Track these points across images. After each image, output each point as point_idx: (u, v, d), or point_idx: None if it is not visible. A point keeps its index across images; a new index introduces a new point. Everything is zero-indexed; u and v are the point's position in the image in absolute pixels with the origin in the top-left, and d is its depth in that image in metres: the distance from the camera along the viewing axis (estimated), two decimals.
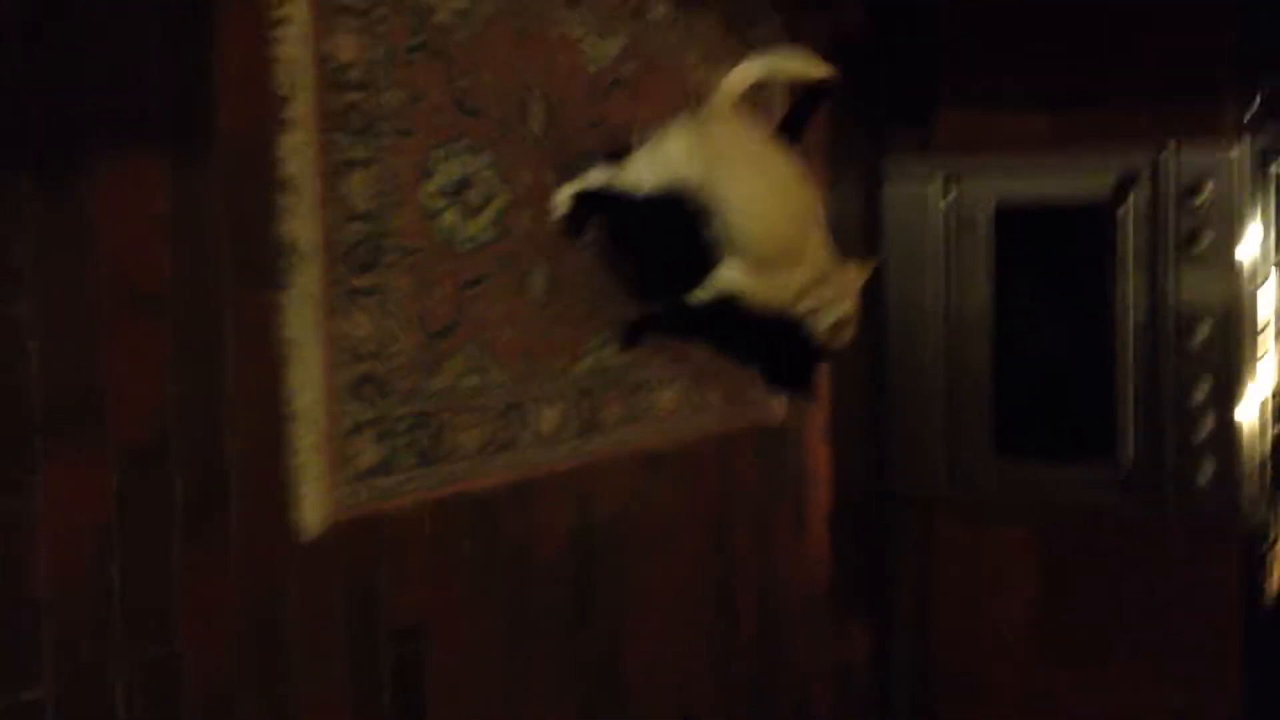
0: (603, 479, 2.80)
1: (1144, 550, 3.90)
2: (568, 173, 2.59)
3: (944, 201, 4.02)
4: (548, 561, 2.64)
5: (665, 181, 2.46)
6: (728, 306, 2.59)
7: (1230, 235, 3.65)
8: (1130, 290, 3.79)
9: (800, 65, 2.50)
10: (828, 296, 2.60)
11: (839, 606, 4.00)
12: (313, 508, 2.05)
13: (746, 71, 2.45)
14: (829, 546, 3.92)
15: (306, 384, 2.04)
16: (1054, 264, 4.00)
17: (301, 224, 2.01)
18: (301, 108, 2.01)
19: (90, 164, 1.73)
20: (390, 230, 2.19)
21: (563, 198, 2.55)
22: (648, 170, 2.47)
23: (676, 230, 2.56)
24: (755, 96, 2.54)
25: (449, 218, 2.33)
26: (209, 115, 1.89)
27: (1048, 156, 3.91)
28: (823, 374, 3.03)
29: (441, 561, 2.34)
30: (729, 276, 2.56)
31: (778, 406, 3.52)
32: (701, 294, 2.60)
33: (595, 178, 2.53)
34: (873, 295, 4.06)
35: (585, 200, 2.55)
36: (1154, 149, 3.74)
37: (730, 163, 2.44)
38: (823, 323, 2.65)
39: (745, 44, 3.26)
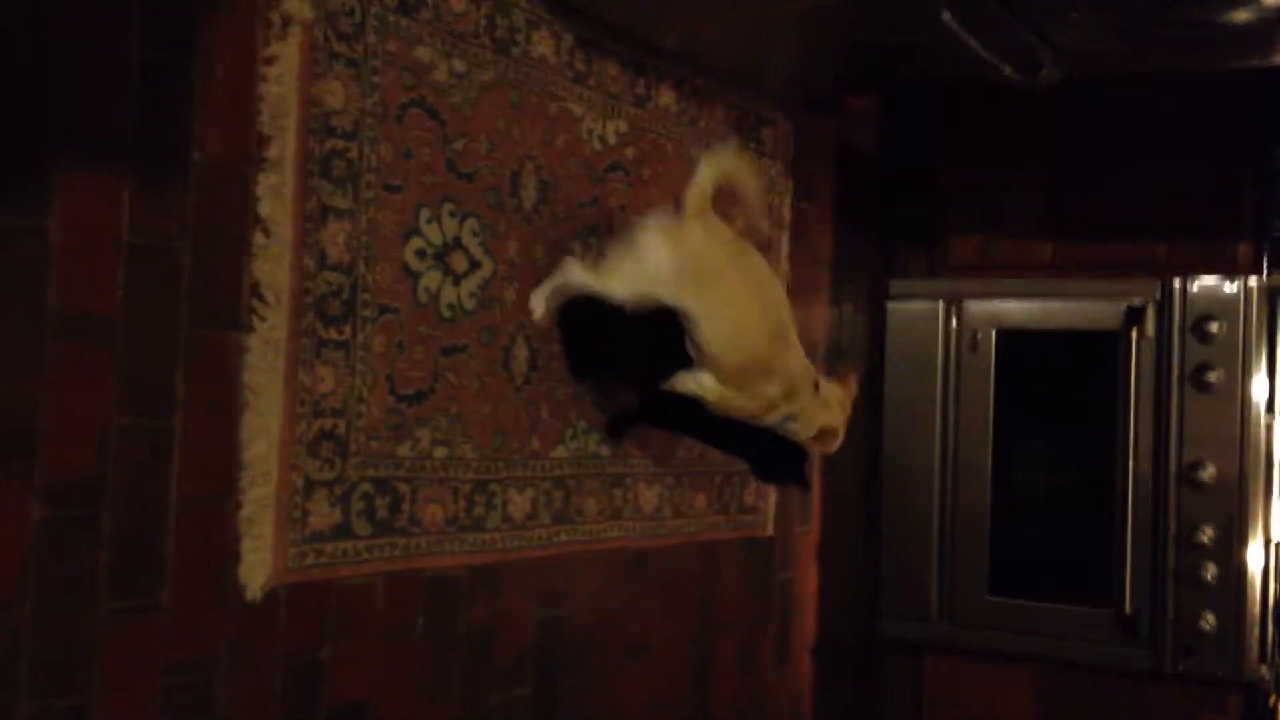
0: (576, 574, 2.67)
1: (1143, 700, 3.72)
2: (551, 258, 2.52)
3: (947, 324, 3.94)
4: (511, 656, 2.49)
5: (641, 294, 2.39)
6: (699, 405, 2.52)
7: (1240, 372, 3.55)
8: (1134, 424, 3.68)
9: (754, 198, 2.45)
10: (803, 407, 2.54)
11: None
12: (256, 567, 1.94)
13: (711, 173, 2.36)
14: (812, 682, 3.75)
15: (261, 434, 1.93)
16: (1057, 394, 3.90)
17: (272, 267, 1.94)
18: (283, 149, 1.95)
19: (52, 179, 1.66)
20: (367, 285, 2.11)
21: (538, 302, 2.48)
22: (623, 281, 2.39)
23: (658, 322, 2.48)
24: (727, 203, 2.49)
25: (431, 280, 2.25)
26: (184, 145, 1.83)
27: (1054, 283, 3.84)
28: (812, 465, 2.91)
29: (393, 640, 2.21)
30: (696, 383, 2.49)
31: (767, 519, 3.39)
32: (671, 386, 2.51)
33: (571, 275, 2.46)
34: (870, 415, 3.96)
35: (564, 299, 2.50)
36: (1163, 280, 3.66)
37: (702, 277, 2.36)
38: (803, 432, 2.58)
39: (754, 144, 3.23)
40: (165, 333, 1.80)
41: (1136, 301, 3.72)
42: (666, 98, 2.88)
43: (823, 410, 2.57)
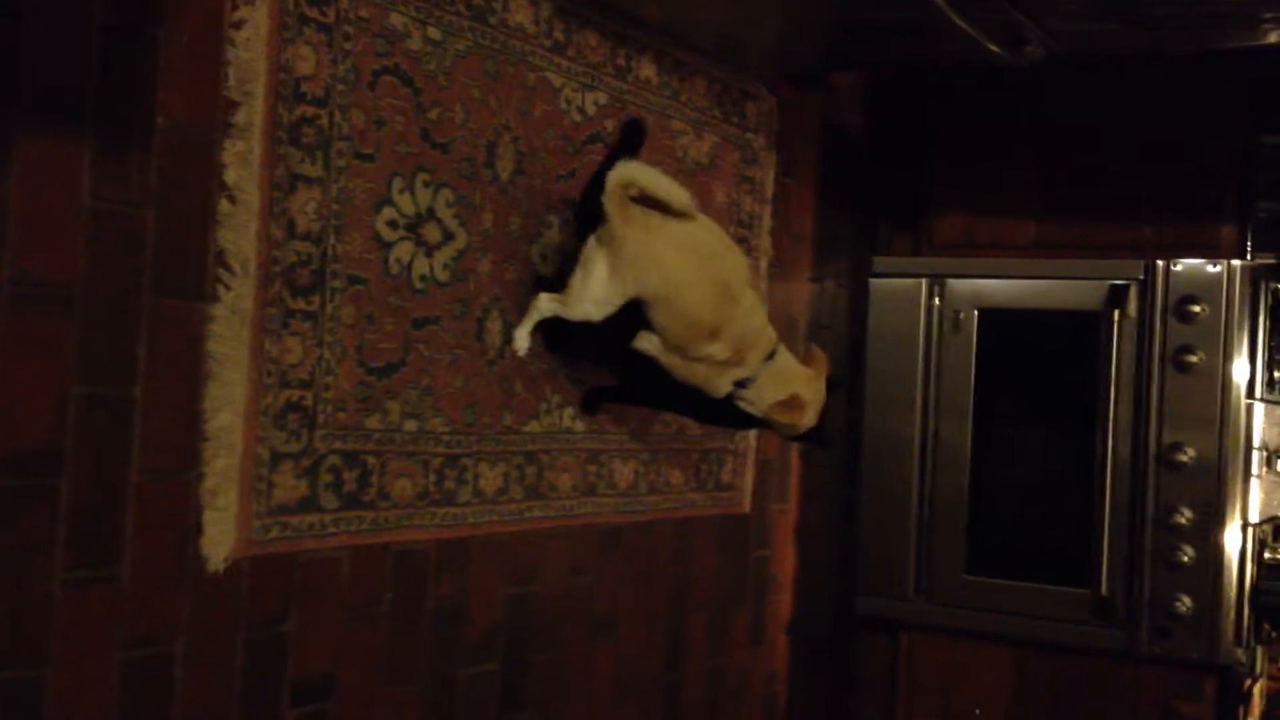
0: (548, 550, 2.65)
1: (1118, 682, 3.72)
2: (526, 230, 2.49)
3: (929, 302, 3.92)
4: (479, 632, 2.47)
5: (610, 309, 2.43)
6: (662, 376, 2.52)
7: (1221, 354, 3.53)
8: (1114, 405, 3.66)
9: (667, 189, 2.42)
10: (754, 374, 2.53)
11: None
12: (219, 538, 1.91)
13: (612, 183, 2.35)
14: (787, 660, 3.74)
15: (226, 404, 1.90)
16: (1038, 374, 3.88)
17: (238, 236, 1.90)
18: (251, 115, 1.91)
19: (9, 141, 1.62)
20: (337, 255, 2.08)
21: (521, 339, 2.48)
22: (589, 305, 2.41)
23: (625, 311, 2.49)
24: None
25: (403, 251, 2.21)
26: (148, 109, 1.79)
27: (1037, 263, 3.82)
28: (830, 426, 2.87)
29: (359, 615, 2.18)
30: (649, 341, 2.50)
31: (744, 496, 3.37)
32: (635, 344, 2.52)
33: (545, 308, 2.45)
34: (851, 393, 3.94)
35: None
36: (1146, 261, 3.64)
37: (641, 264, 2.38)
38: (758, 401, 2.57)
39: (737, 117, 3.19)
40: (126, 301, 1.76)
41: (1119, 282, 3.70)
42: (647, 70, 2.85)
43: (776, 380, 2.56)
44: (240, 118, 1.89)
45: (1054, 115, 3.85)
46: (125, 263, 1.76)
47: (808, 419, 2.61)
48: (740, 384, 2.53)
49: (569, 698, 2.72)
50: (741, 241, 3.23)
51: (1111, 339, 3.68)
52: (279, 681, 2.04)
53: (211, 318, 1.87)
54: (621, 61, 2.76)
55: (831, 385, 2.72)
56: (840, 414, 3.90)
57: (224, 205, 1.88)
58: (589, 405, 2.71)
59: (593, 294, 2.38)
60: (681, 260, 2.40)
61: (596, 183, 2.39)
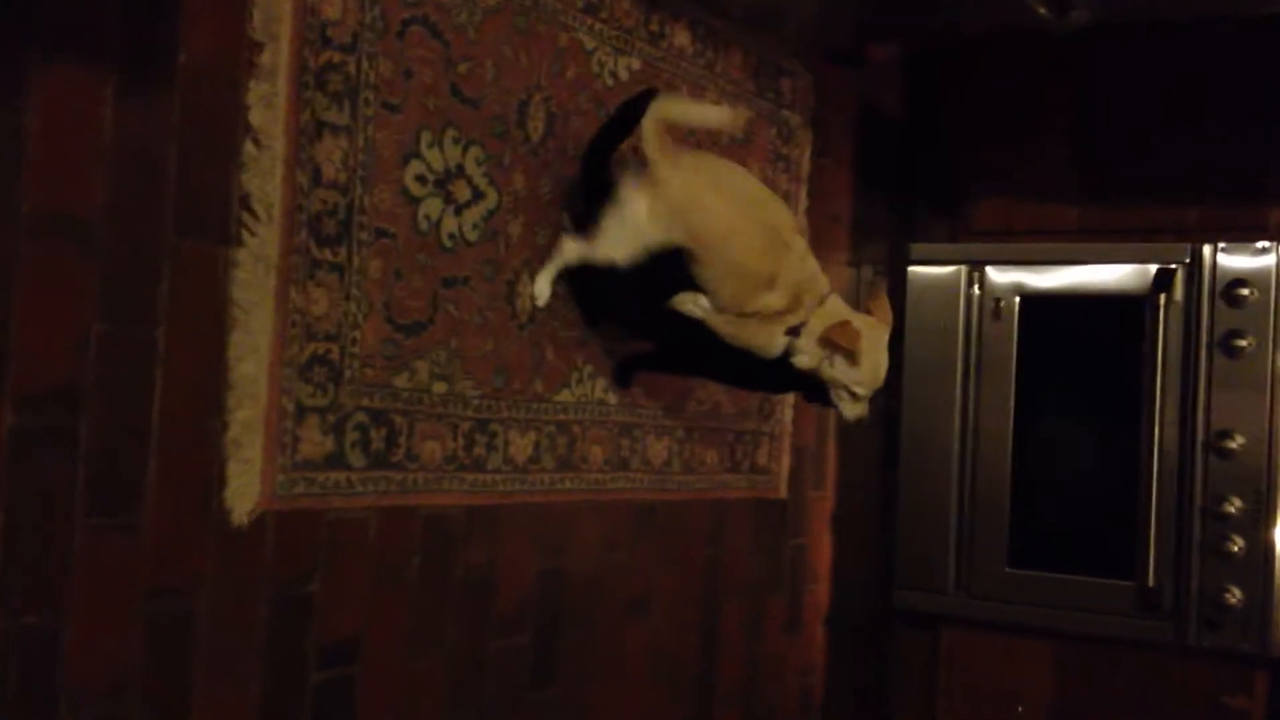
0: (580, 523, 2.59)
1: (1165, 676, 3.62)
2: (557, 194, 2.44)
3: (969, 290, 3.84)
4: (510, 603, 2.41)
5: (638, 251, 2.34)
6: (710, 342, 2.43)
7: (1271, 339, 3.44)
8: (1161, 392, 3.57)
9: (703, 114, 2.35)
10: (810, 318, 2.40)
11: None
12: (243, 491, 1.86)
13: (651, 122, 2.29)
14: (824, 652, 3.66)
15: (250, 353, 1.86)
16: (1081, 361, 3.80)
17: (263, 180, 1.86)
18: (276, 57, 1.87)
19: (30, 73, 1.59)
20: (364, 207, 2.03)
21: (542, 286, 2.41)
22: (618, 245, 2.33)
23: (663, 264, 2.39)
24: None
25: (432, 208, 2.17)
26: (171, 46, 1.75)
27: (1079, 247, 3.74)
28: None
29: (386, 577, 2.13)
30: (695, 303, 2.42)
31: (780, 481, 3.30)
32: (674, 305, 2.44)
33: (570, 254, 2.38)
34: (889, 382, 3.87)
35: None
36: (1193, 244, 3.55)
37: (685, 209, 2.31)
38: (813, 337, 2.41)
39: (773, 93, 3.14)
40: (148, 240, 1.72)
41: (1165, 266, 3.61)
42: (681, 38, 2.80)
43: (830, 317, 2.41)
44: (265, 59, 1.85)
45: (1095, 94, 3.78)
46: (147, 200, 1.72)
47: (867, 355, 2.40)
48: (793, 332, 2.40)
49: (600, 676, 2.66)
50: None
51: (1158, 325, 3.59)
52: (304, 643, 1.99)
53: (235, 262, 1.83)
54: (655, 28, 2.71)
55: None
56: (878, 400, 3.83)
57: (248, 148, 1.84)
58: (622, 377, 2.65)
59: (627, 234, 2.29)
60: (728, 206, 2.33)
61: (599, 144, 2.33)
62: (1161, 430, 3.56)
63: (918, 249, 3.93)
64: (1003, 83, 3.89)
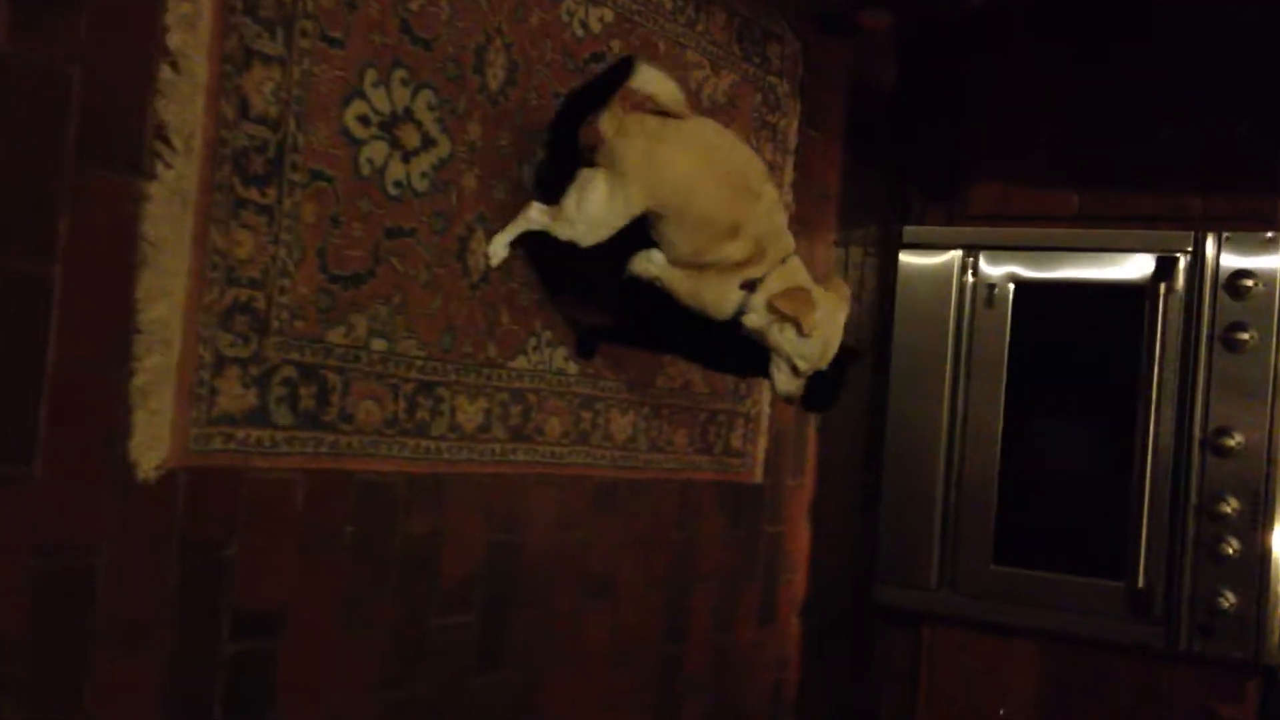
0: (534, 498, 2.45)
1: (1154, 681, 3.47)
2: (518, 146, 2.30)
3: (963, 275, 3.69)
4: (455, 578, 2.27)
5: (608, 232, 2.23)
6: (661, 305, 2.29)
7: (1275, 333, 3.29)
8: (1158, 385, 3.42)
9: (668, 92, 2.21)
10: (770, 273, 2.26)
11: (806, 718, 3.57)
12: (150, 443, 1.72)
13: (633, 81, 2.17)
14: (799, 645, 3.51)
15: (161, 296, 1.72)
16: (1076, 352, 3.65)
17: (182, 108, 1.72)
18: None
19: None
20: (298, 145, 1.89)
21: (498, 247, 2.27)
22: (581, 227, 2.21)
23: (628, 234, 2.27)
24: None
25: (375, 151, 2.03)
26: None
27: (1078, 233, 3.59)
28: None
29: (315, 545, 1.99)
30: (648, 260, 2.29)
31: (755, 465, 3.16)
32: (629, 271, 2.31)
33: (534, 221, 2.25)
34: (876, 368, 3.73)
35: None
36: (1196, 233, 3.41)
37: (643, 174, 2.18)
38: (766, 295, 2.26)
39: (759, 58, 2.99)
40: (46, 168, 1.58)
41: (1166, 254, 3.46)
42: None
43: (784, 279, 2.27)
44: None
45: (1097, 73, 3.63)
46: (46, 124, 1.57)
47: (819, 329, 2.26)
48: (748, 286, 2.26)
49: (554, 660, 2.51)
50: None
51: (1157, 315, 3.45)
52: (218, 609, 1.85)
53: (148, 197, 1.69)
54: None
55: (850, 356, 2.42)
56: (864, 388, 3.69)
57: (165, 72, 1.70)
58: (584, 348, 2.51)
59: (587, 215, 2.18)
60: (691, 160, 2.20)
61: (568, 113, 2.20)
62: (1157, 425, 3.42)
63: (910, 232, 3.79)
64: (1001, 59, 3.74)
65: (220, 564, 1.84)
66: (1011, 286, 3.67)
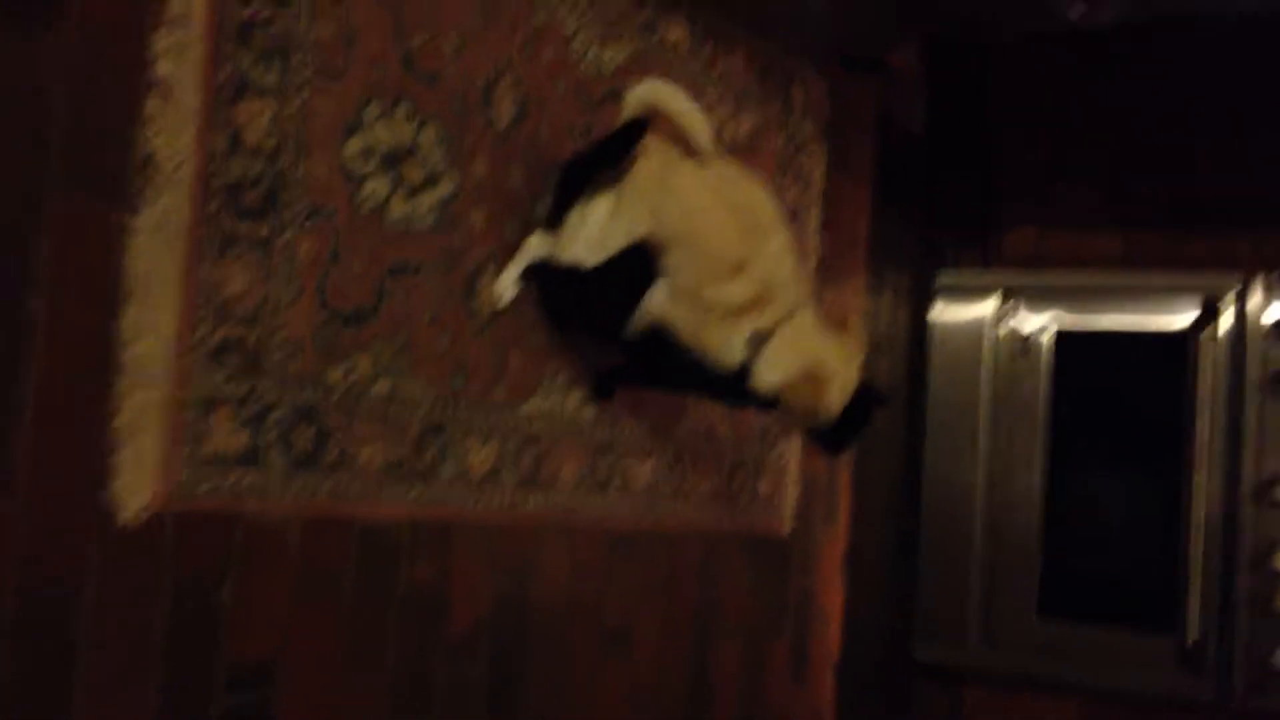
0: (548, 547, 2.36)
1: None
2: (529, 185, 2.24)
3: (999, 321, 3.59)
4: (464, 626, 2.19)
5: (606, 255, 2.15)
6: (666, 347, 2.20)
7: None
8: (1206, 435, 3.30)
9: (691, 118, 2.14)
10: (777, 326, 2.15)
11: None
12: (135, 484, 1.66)
13: (642, 96, 2.11)
14: (835, 704, 3.38)
15: (148, 331, 1.66)
16: (1119, 400, 3.54)
17: (170, 138, 1.67)
18: (189, 4, 1.69)
19: None
20: (294, 179, 1.84)
21: (506, 283, 2.20)
22: (585, 249, 2.14)
23: (633, 266, 2.19)
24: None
25: (378, 186, 1.97)
26: None
27: (1118, 276, 3.49)
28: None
29: (312, 594, 1.91)
30: (654, 301, 2.18)
31: (783, 516, 3.06)
32: (634, 327, 2.22)
33: (535, 250, 2.19)
34: (910, 417, 3.62)
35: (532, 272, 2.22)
36: (1241, 278, 3.30)
37: (651, 199, 2.11)
38: (773, 368, 2.17)
39: (782, 100, 2.93)
40: (29, 195, 1.54)
41: (1211, 297, 3.35)
42: (676, 33, 2.60)
43: (797, 340, 2.17)
44: (175, 6, 1.67)
45: (1136, 108, 3.55)
46: (28, 149, 1.53)
47: (830, 400, 2.20)
48: (756, 340, 2.17)
49: (570, 712, 2.41)
50: None
51: (1202, 362, 3.34)
52: (210, 661, 1.77)
53: (134, 229, 1.64)
54: (648, 17, 2.52)
55: (872, 398, 2.31)
56: (898, 437, 3.59)
57: (154, 101, 1.65)
58: (601, 389, 2.44)
59: (589, 233, 2.11)
60: (701, 186, 2.12)
61: (582, 164, 2.14)
62: (1206, 476, 3.31)
63: (944, 277, 3.71)
64: (1036, 99, 3.67)
65: (210, 611, 1.77)
66: (1050, 333, 3.57)
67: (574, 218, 2.12)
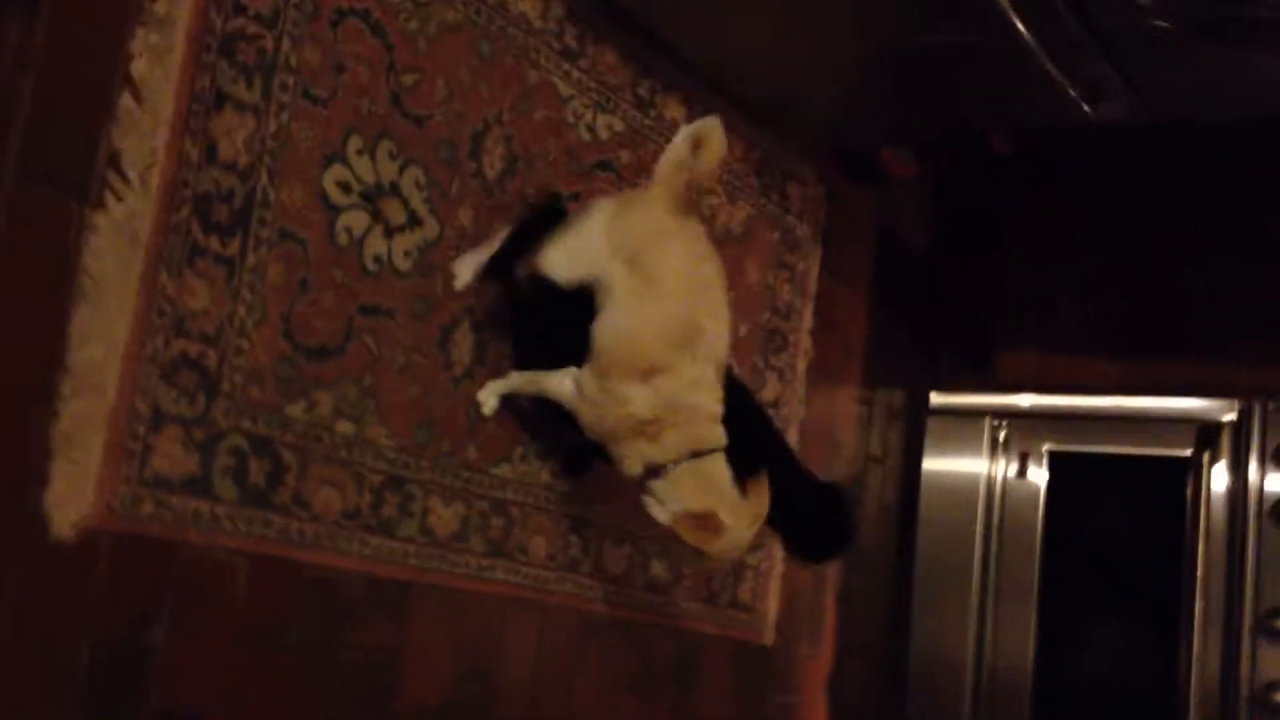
0: (514, 623, 2.23)
1: None
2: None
3: (993, 444, 3.49)
4: (416, 702, 2.04)
5: (580, 276, 2.01)
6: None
7: None
8: (1204, 563, 3.18)
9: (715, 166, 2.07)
10: (670, 457, 1.96)
11: None
12: (69, 496, 1.55)
13: (687, 133, 2.02)
14: None
15: (99, 336, 1.58)
16: (1115, 527, 3.42)
17: (140, 141, 1.62)
18: (175, 7, 1.65)
19: None
20: (268, 200, 1.78)
21: (466, 268, 2.08)
22: (560, 255, 2.03)
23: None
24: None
25: (354, 221, 1.91)
26: None
27: (1115, 400, 3.41)
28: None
29: (255, 642, 1.78)
30: (559, 383, 2.05)
31: (765, 625, 2.91)
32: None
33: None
34: (900, 538, 3.50)
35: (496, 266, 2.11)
36: (1242, 401, 3.22)
37: (632, 248, 1.98)
38: (667, 501, 1.98)
39: (778, 195, 2.90)
40: None
41: (1210, 422, 3.27)
42: (674, 111, 2.58)
43: (697, 484, 1.97)
44: (160, 6, 1.63)
45: (1136, 235, 3.52)
46: None
47: (718, 549, 2.00)
48: (653, 472, 1.98)
49: None
50: (775, 333, 2.89)
51: (1201, 488, 3.24)
52: (136, 706, 1.64)
53: (93, 227, 1.57)
54: (644, 93, 2.50)
55: (843, 500, 2.30)
56: (888, 559, 3.47)
57: (126, 101, 1.60)
58: (571, 466, 2.32)
59: (579, 245, 2.00)
60: (667, 277, 1.98)
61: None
62: (1205, 607, 3.17)
63: (938, 398, 3.63)
64: (1034, 221, 3.65)
65: (142, 649, 1.64)
66: (1045, 454, 3.48)
67: (566, 230, 2.03)
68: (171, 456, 1.66)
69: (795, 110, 2.79)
